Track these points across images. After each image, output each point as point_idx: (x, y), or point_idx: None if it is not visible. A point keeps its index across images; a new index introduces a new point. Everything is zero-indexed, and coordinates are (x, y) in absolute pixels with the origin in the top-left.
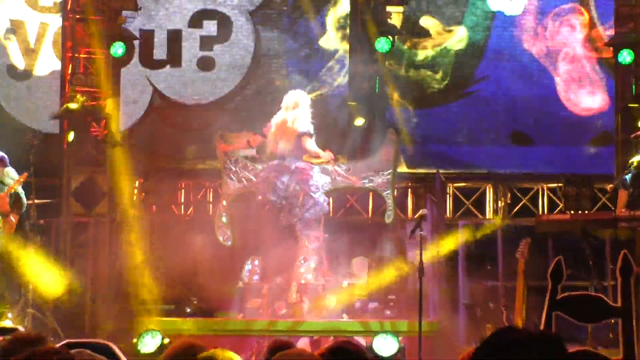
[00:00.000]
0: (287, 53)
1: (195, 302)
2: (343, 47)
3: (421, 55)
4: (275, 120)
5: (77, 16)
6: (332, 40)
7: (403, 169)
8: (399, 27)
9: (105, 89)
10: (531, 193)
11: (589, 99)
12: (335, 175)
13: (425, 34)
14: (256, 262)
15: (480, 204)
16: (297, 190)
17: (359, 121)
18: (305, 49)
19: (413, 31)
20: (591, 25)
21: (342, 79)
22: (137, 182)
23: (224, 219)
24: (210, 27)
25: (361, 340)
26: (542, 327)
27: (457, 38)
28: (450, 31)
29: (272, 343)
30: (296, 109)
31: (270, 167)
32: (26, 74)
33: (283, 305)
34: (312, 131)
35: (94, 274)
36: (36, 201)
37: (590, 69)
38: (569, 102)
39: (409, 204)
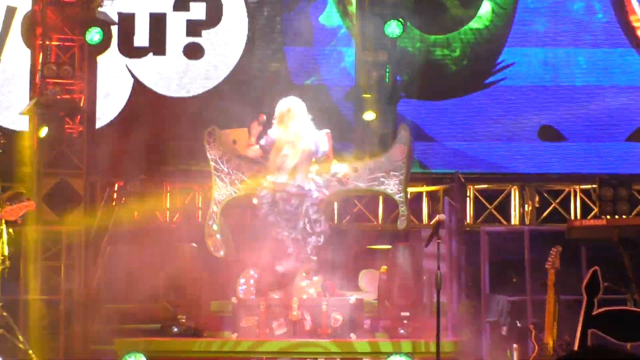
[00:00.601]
0: (285, 36)
1: (183, 320)
2: (346, 24)
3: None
4: (274, 134)
5: None
6: (334, 16)
7: (417, 169)
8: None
9: (80, 80)
10: (562, 196)
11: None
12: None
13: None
14: (252, 275)
15: (504, 209)
16: (307, 220)
17: (369, 115)
18: (305, 30)
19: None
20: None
21: (346, 63)
22: (115, 186)
23: (214, 227)
24: (197, 9)
25: None
26: (576, 347)
27: (480, 14)
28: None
29: None
30: (293, 120)
31: (278, 186)
32: None
33: (282, 324)
34: (323, 147)
35: (68, 290)
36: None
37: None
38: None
39: (424, 208)
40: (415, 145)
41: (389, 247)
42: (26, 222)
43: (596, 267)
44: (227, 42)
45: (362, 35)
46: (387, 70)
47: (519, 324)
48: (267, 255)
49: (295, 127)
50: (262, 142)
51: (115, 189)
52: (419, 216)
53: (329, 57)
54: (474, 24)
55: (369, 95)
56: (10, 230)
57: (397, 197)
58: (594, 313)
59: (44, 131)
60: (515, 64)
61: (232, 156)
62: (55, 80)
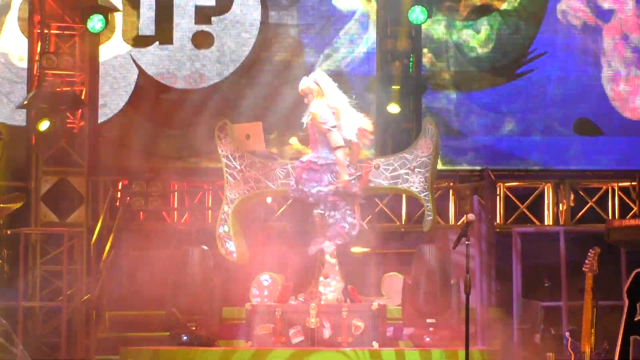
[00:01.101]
0: (299, 22)
1: (193, 328)
2: (365, 8)
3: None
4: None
5: None
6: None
7: (444, 165)
8: None
9: (81, 71)
10: (599, 194)
11: None
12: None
13: None
14: (266, 280)
15: (537, 208)
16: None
17: (393, 108)
18: (320, 16)
19: None
20: None
21: (364, 48)
22: (119, 185)
23: (226, 228)
24: None
25: None
26: (617, 355)
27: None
28: None
29: None
30: (312, 95)
31: (305, 165)
32: None
33: (300, 332)
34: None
35: (70, 295)
36: (1, 205)
37: None
38: None
39: (450, 208)
40: (442, 140)
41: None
42: (24, 224)
43: (639, 270)
44: (239, 30)
45: (383, 22)
46: (411, 59)
47: (553, 332)
48: (283, 258)
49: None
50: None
51: (119, 188)
52: (445, 216)
53: (345, 44)
54: (504, 7)
55: (397, 87)
56: (9, 231)
57: (422, 195)
58: (636, 319)
59: (44, 125)
60: (549, 52)
61: (245, 152)
62: (54, 72)
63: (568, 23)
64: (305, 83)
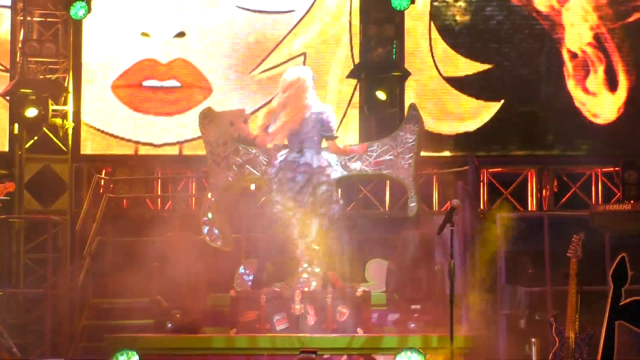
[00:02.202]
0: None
1: (177, 315)
2: None
3: None
4: (276, 104)
5: None
6: None
7: (426, 151)
8: None
9: (65, 59)
10: (582, 179)
11: None
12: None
13: None
14: (248, 267)
15: (521, 193)
16: (316, 194)
17: (381, 95)
18: None
19: None
20: None
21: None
22: (103, 172)
23: (210, 215)
24: None
25: None
26: (602, 339)
27: None
28: None
29: None
30: (302, 92)
31: (282, 164)
32: None
33: (284, 319)
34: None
35: (54, 283)
36: None
37: None
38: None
39: (434, 194)
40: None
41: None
42: (8, 211)
43: (623, 254)
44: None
45: (366, 8)
46: (395, 45)
47: (537, 317)
48: (267, 244)
49: (302, 98)
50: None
51: (103, 175)
52: (429, 202)
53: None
54: None
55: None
56: None
57: (406, 181)
58: (621, 303)
59: (31, 111)
60: None
61: (229, 139)
62: (37, 59)
63: None
64: (295, 75)
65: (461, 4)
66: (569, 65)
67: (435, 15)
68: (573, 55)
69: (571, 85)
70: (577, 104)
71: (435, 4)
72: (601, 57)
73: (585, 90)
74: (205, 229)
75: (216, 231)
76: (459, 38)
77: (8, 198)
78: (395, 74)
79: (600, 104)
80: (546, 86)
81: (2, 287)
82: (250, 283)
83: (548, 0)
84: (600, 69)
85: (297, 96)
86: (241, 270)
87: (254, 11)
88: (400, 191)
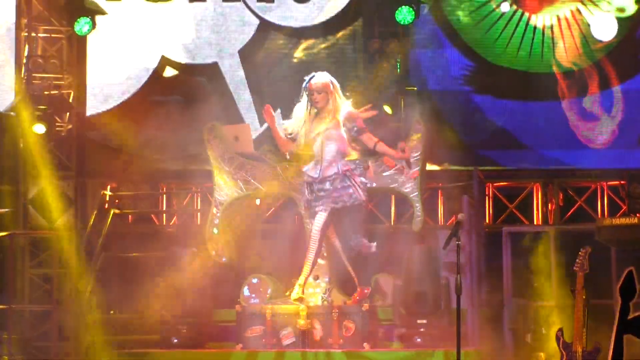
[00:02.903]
0: None
1: (183, 330)
2: None
3: None
4: (302, 110)
5: None
6: None
7: (432, 166)
8: None
9: (69, 74)
10: (588, 193)
11: None
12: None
13: None
14: (256, 282)
15: (526, 208)
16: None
17: (387, 109)
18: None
19: None
20: None
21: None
22: (108, 187)
23: (215, 230)
24: None
25: None
26: (610, 353)
27: None
28: None
29: None
30: (333, 97)
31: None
32: None
33: (290, 334)
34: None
35: (60, 299)
36: None
37: None
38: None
39: (439, 208)
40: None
41: None
42: (13, 227)
43: (631, 268)
44: None
45: (369, 24)
46: (399, 60)
47: (544, 331)
48: (273, 259)
49: (334, 105)
50: (289, 129)
51: (108, 191)
52: (434, 216)
53: None
54: None
55: (414, 88)
56: None
57: (411, 196)
58: (629, 317)
59: (39, 127)
60: None
61: (235, 154)
62: (42, 75)
63: None
64: (325, 79)
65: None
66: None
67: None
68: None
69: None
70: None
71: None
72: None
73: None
74: (211, 245)
75: (221, 246)
76: None
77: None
78: (408, 89)
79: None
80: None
81: (7, 303)
82: (255, 298)
83: None
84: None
85: (333, 100)
86: (247, 285)
87: None
88: (406, 205)
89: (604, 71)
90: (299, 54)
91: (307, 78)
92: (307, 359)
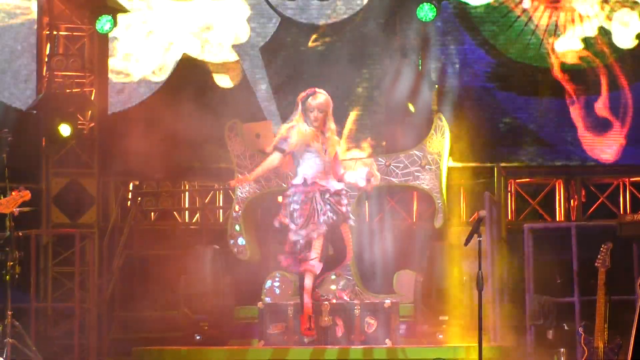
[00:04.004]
0: None
1: (205, 327)
2: None
3: None
4: (299, 127)
5: None
6: None
7: (454, 162)
8: None
9: (91, 73)
10: (610, 189)
11: None
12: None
13: None
14: (278, 279)
15: (548, 204)
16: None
17: (410, 108)
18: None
19: None
20: None
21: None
22: (130, 185)
23: (237, 227)
24: None
25: None
26: (630, 350)
27: None
28: None
29: None
30: (326, 114)
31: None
32: None
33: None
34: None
35: (82, 297)
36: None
37: None
38: None
39: (461, 204)
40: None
41: None
42: (36, 225)
43: None
44: None
45: (391, 22)
46: (420, 57)
47: (566, 327)
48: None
49: (328, 126)
50: (284, 146)
51: (130, 188)
52: (456, 213)
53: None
54: None
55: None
56: (20, 233)
57: (433, 192)
58: None
59: (64, 129)
60: None
61: (256, 151)
62: (64, 73)
63: None
64: (326, 98)
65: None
66: None
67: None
68: None
69: None
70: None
71: None
72: None
73: None
74: (233, 242)
75: (243, 243)
76: None
77: (28, 209)
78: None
79: None
80: None
81: (30, 301)
82: (277, 295)
83: None
84: None
85: (328, 121)
86: (269, 282)
87: None
88: (428, 202)
89: (613, 73)
90: (320, 47)
91: (305, 93)
92: (329, 355)
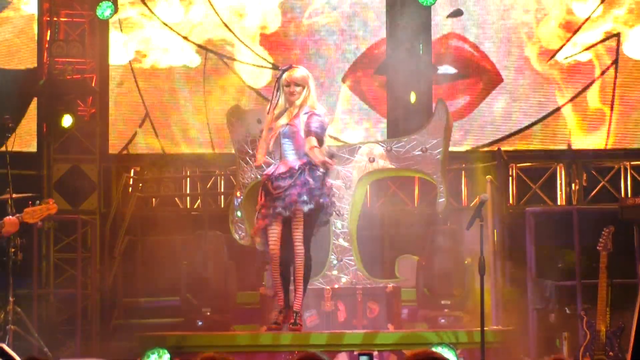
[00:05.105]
0: None
1: (208, 313)
2: None
3: None
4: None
5: None
6: None
7: (455, 147)
8: None
9: (91, 59)
10: (611, 173)
11: None
12: (371, 158)
13: None
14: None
15: (550, 188)
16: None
17: (412, 97)
18: None
19: None
20: None
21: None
22: (131, 171)
23: (239, 213)
24: None
25: None
26: (633, 333)
27: None
28: None
29: (303, 357)
30: (305, 90)
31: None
32: None
33: (315, 315)
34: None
35: (84, 283)
36: (14, 195)
37: None
38: None
39: (463, 189)
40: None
41: None
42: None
43: None
44: None
45: (393, 4)
46: (421, 41)
47: (568, 311)
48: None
49: (305, 96)
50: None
51: (132, 174)
52: (457, 197)
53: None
54: None
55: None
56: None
57: (434, 177)
58: None
59: (66, 120)
60: None
61: (257, 136)
62: (64, 59)
63: None
64: (303, 72)
65: None
66: None
67: None
68: None
69: None
70: None
71: None
72: None
73: None
74: (234, 227)
75: (245, 229)
76: None
77: (29, 195)
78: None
79: None
80: None
81: (32, 288)
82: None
83: None
84: None
85: (307, 96)
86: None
87: None
88: (429, 187)
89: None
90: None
91: (282, 69)
92: (332, 340)
